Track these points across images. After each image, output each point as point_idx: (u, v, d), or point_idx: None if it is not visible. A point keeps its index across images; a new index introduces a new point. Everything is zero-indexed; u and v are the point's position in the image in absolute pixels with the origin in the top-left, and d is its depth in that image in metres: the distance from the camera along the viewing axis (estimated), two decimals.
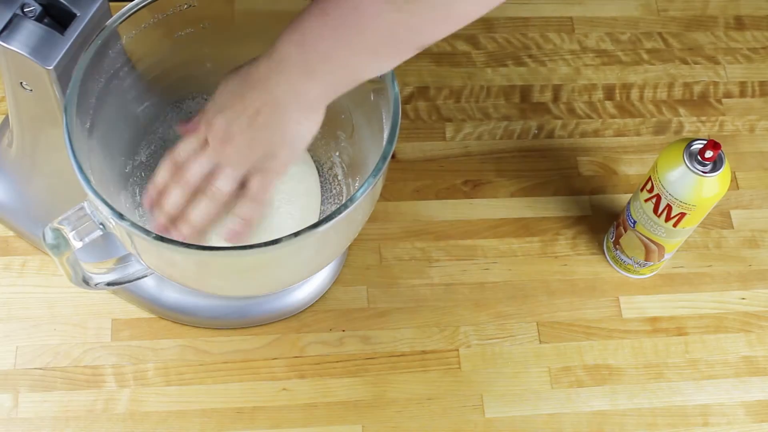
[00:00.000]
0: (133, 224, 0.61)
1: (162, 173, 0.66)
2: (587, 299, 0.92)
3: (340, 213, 0.62)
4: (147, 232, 0.61)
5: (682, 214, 0.82)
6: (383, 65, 0.62)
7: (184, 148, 0.65)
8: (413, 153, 0.98)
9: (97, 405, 0.83)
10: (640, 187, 0.85)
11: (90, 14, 0.67)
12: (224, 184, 0.64)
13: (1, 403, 0.82)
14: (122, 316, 0.87)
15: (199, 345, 0.86)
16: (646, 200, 0.84)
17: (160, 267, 0.70)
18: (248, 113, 0.62)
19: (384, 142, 0.65)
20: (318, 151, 0.78)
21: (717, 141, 0.78)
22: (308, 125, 0.62)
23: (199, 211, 0.65)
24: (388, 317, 0.89)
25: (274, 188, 0.66)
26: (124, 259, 0.74)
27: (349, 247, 0.91)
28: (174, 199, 0.65)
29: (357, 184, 0.76)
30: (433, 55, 1.04)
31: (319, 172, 0.80)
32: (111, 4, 0.70)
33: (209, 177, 0.65)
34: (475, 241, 0.94)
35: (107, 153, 0.71)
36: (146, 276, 0.75)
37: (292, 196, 0.73)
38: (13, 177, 0.86)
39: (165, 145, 0.79)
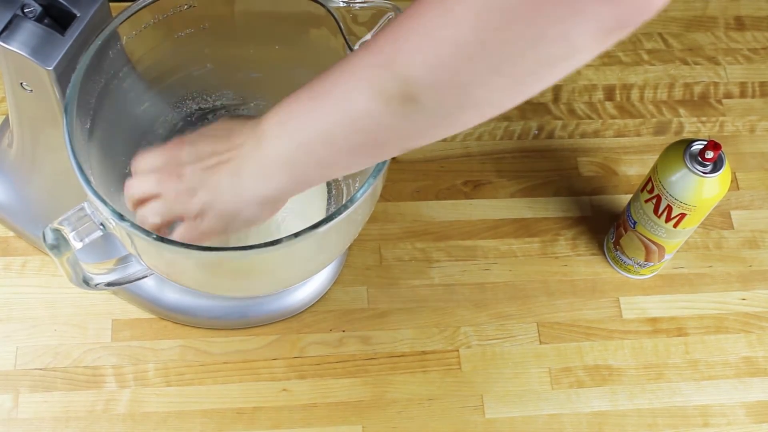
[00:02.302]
0: (134, 225, 0.61)
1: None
2: (587, 300, 0.92)
3: (340, 213, 0.62)
4: (147, 232, 0.61)
5: (683, 215, 0.82)
6: (357, 166, 0.59)
7: (145, 161, 0.64)
8: (413, 153, 0.98)
9: (97, 405, 0.83)
10: (641, 188, 0.85)
11: (90, 15, 0.66)
12: (151, 212, 0.63)
13: (2, 403, 0.82)
14: (122, 317, 0.87)
15: (200, 345, 0.86)
16: (646, 201, 0.84)
17: (160, 267, 0.70)
18: (209, 162, 0.60)
19: None
20: None
21: (717, 141, 0.78)
22: (253, 213, 0.60)
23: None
24: (388, 318, 0.89)
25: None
26: (124, 260, 0.74)
27: (350, 248, 0.91)
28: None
29: (357, 185, 0.76)
30: None
31: None
32: (111, 4, 0.70)
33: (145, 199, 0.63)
34: (476, 242, 0.94)
35: (107, 153, 0.71)
36: (146, 276, 0.75)
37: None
38: (13, 177, 0.86)
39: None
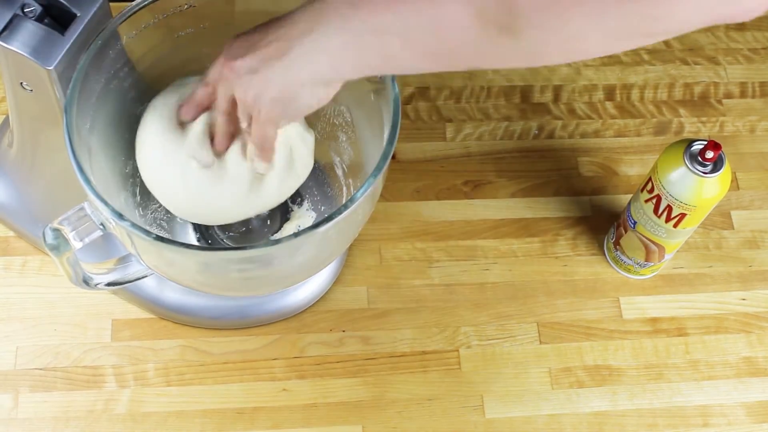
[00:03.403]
0: (133, 224, 0.61)
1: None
2: (587, 300, 0.92)
3: (340, 213, 0.62)
4: (147, 232, 0.61)
5: (683, 215, 0.82)
6: (422, 69, 0.56)
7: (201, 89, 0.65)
8: (413, 153, 0.98)
9: (97, 405, 0.83)
10: (641, 188, 0.85)
11: (90, 14, 0.66)
12: (221, 99, 0.62)
13: (2, 403, 0.82)
14: (122, 317, 0.87)
15: (200, 345, 0.86)
16: (646, 201, 0.84)
17: (160, 267, 0.70)
18: (260, 43, 0.58)
19: (384, 143, 0.65)
20: (319, 152, 0.78)
21: (717, 142, 0.78)
22: (309, 95, 0.58)
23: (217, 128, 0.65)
24: (388, 318, 0.89)
25: (274, 137, 0.63)
26: (124, 260, 0.74)
27: (350, 248, 0.91)
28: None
29: (357, 185, 0.76)
30: None
31: (319, 172, 0.81)
32: (111, 4, 0.70)
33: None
34: (476, 242, 0.94)
35: (107, 153, 0.71)
36: (146, 276, 0.75)
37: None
38: (14, 177, 0.86)
39: None
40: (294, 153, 0.70)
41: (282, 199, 0.71)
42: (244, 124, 0.63)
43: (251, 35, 0.60)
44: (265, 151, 0.64)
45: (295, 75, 0.57)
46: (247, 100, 0.60)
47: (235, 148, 0.66)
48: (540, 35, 0.49)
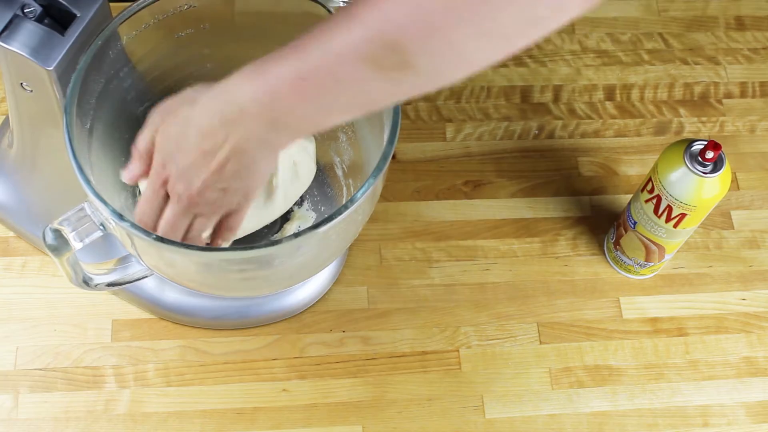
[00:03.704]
0: (134, 225, 0.61)
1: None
2: (588, 300, 0.92)
3: (340, 213, 0.62)
4: (147, 233, 0.61)
5: (683, 215, 0.82)
6: (351, 119, 0.61)
7: (148, 205, 0.63)
8: (413, 153, 0.98)
9: (97, 406, 0.83)
10: (641, 188, 0.85)
11: (90, 15, 0.67)
12: (202, 230, 0.63)
13: (2, 403, 0.82)
14: (122, 317, 0.87)
15: (200, 346, 0.86)
16: (646, 201, 0.84)
17: (160, 268, 0.70)
18: (212, 167, 0.58)
19: (384, 143, 0.65)
20: (319, 152, 0.78)
21: (717, 142, 0.78)
22: (274, 159, 0.61)
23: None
24: (388, 318, 0.89)
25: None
26: (124, 260, 0.74)
27: (350, 248, 0.91)
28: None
29: (357, 185, 0.76)
30: None
31: (319, 173, 0.80)
32: (111, 4, 0.70)
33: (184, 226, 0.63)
34: (476, 242, 0.94)
35: (107, 153, 0.71)
36: (146, 277, 0.75)
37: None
38: (14, 177, 0.86)
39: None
40: (297, 165, 0.71)
41: (288, 207, 0.73)
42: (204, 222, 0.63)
43: (180, 156, 0.59)
44: (233, 233, 0.65)
45: (257, 163, 0.59)
46: (215, 206, 0.61)
47: None
48: (434, 61, 0.52)
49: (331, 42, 0.53)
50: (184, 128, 0.59)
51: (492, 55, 0.53)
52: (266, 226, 0.83)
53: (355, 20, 0.52)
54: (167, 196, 0.62)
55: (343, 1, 0.68)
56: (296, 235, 0.61)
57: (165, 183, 0.61)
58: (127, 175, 0.63)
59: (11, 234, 0.90)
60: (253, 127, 0.56)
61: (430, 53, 0.52)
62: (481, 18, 0.50)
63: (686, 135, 1.02)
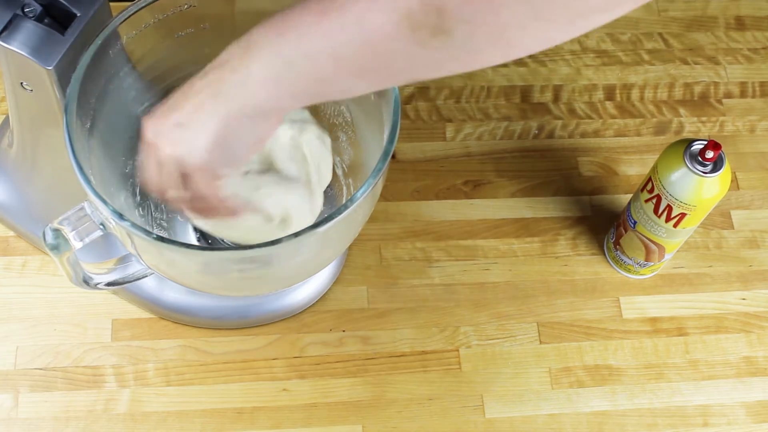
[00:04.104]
0: (134, 224, 0.61)
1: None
2: (587, 299, 0.92)
3: (340, 213, 0.62)
4: (147, 232, 0.61)
5: (683, 215, 0.82)
6: (359, 90, 0.54)
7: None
8: (413, 153, 0.98)
9: (97, 405, 0.83)
10: (641, 188, 0.85)
11: (90, 14, 0.66)
12: (148, 172, 0.58)
13: (2, 403, 0.82)
14: (122, 317, 0.87)
15: (200, 345, 0.86)
16: (646, 201, 0.84)
17: (160, 267, 0.70)
18: (192, 93, 0.54)
19: (384, 143, 0.65)
20: None
21: (717, 141, 0.78)
22: (245, 131, 0.54)
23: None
24: (388, 317, 0.89)
25: (216, 191, 0.58)
26: (124, 260, 0.74)
27: (350, 248, 0.91)
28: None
29: (357, 184, 0.76)
30: None
31: None
32: (112, 4, 0.70)
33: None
34: (476, 242, 0.94)
35: (107, 153, 0.71)
36: (146, 276, 0.75)
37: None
38: (14, 177, 0.86)
39: None
40: (321, 162, 0.71)
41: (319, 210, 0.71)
42: (178, 192, 0.57)
43: (173, 96, 0.55)
44: (214, 209, 0.60)
45: (229, 110, 0.53)
46: (176, 156, 0.55)
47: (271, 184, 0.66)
48: (473, 30, 0.47)
49: None
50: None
51: (533, 43, 0.49)
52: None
53: None
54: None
55: None
56: (296, 234, 0.61)
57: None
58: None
59: (11, 233, 0.90)
60: (249, 60, 0.52)
61: (471, 22, 0.47)
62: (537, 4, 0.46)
63: (686, 135, 1.02)
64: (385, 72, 0.51)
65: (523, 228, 0.95)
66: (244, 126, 0.54)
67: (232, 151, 0.56)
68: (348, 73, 0.51)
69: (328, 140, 0.73)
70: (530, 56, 1.05)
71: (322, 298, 0.89)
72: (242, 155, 0.57)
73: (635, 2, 0.48)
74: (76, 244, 0.64)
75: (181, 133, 0.54)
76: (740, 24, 1.10)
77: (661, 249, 0.88)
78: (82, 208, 0.64)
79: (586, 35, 1.07)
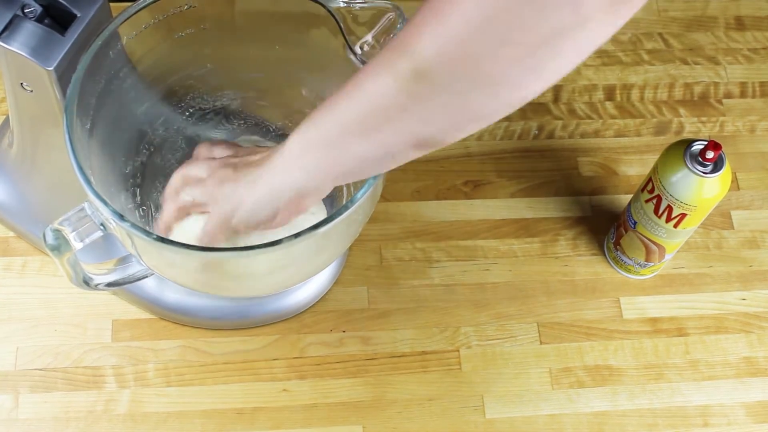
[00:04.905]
0: (134, 225, 0.61)
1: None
2: (588, 300, 0.92)
3: (340, 214, 0.62)
4: (147, 233, 0.61)
5: (683, 215, 0.82)
6: (372, 164, 0.58)
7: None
8: None
9: (97, 406, 0.83)
10: (641, 188, 0.85)
11: (90, 15, 0.66)
12: (188, 198, 0.67)
13: (2, 403, 0.82)
14: (122, 317, 0.87)
15: (200, 346, 0.86)
16: (646, 201, 0.84)
17: (161, 268, 0.70)
18: (241, 163, 0.63)
19: None
20: None
21: (717, 142, 0.78)
22: (260, 207, 0.62)
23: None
24: (388, 318, 0.89)
25: (220, 240, 0.66)
26: (124, 260, 0.74)
27: (350, 248, 0.91)
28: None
29: (357, 185, 0.76)
30: None
31: None
32: (112, 4, 0.70)
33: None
34: (476, 242, 0.94)
35: (108, 153, 0.71)
36: (147, 277, 0.75)
37: None
38: (14, 177, 0.86)
39: (165, 145, 0.79)
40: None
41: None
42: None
43: (233, 157, 0.66)
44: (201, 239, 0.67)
45: (256, 184, 0.61)
46: (218, 201, 0.64)
47: None
48: (449, 66, 0.50)
49: (365, 66, 0.54)
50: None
51: (519, 79, 0.51)
52: None
53: (388, 45, 0.53)
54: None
55: (344, 2, 0.68)
56: (296, 235, 0.61)
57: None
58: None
59: (11, 234, 0.90)
60: (286, 157, 0.59)
61: (447, 64, 0.51)
62: (501, 32, 0.48)
63: (686, 135, 1.02)
64: (386, 129, 0.54)
65: (523, 228, 0.95)
66: (271, 206, 0.61)
67: (257, 220, 0.63)
68: (356, 138, 0.56)
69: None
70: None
71: (323, 298, 0.89)
72: (265, 223, 0.63)
73: (607, 19, 0.49)
74: (77, 245, 0.64)
75: (231, 189, 0.63)
76: (740, 24, 1.10)
77: (662, 249, 0.88)
78: (83, 209, 0.64)
79: None
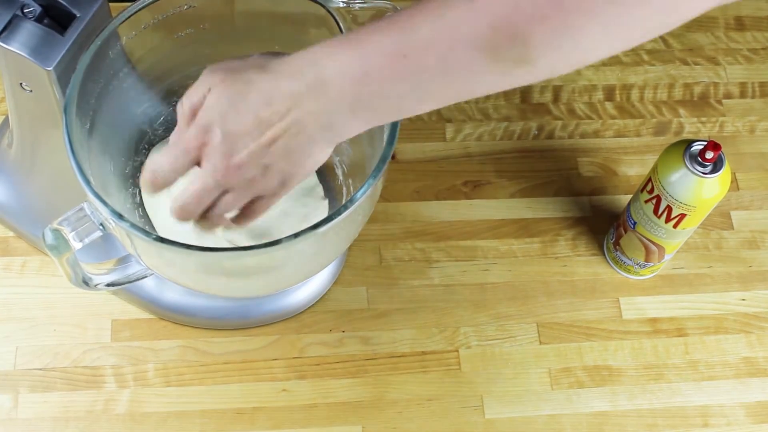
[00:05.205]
0: (133, 225, 0.61)
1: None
2: (587, 300, 0.92)
3: (340, 214, 0.62)
4: (147, 233, 0.61)
5: (683, 215, 0.82)
6: (437, 107, 0.54)
7: (168, 161, 0.57)
8: (413, 154, 0.98)
9: (96, 406, 0.83)
10: (641, 188, 0.85)
11: (90, 15, 0.66)
12: (227, 210, 0.58)
13: (1, 403, 0.82)
14: (122, 317, 0.87)
15: (199, 345, 0.86)
16: (646, 201, 0.84)
17: (160, 268, 0.70)
18: (262, 140, 0.53)
19: (384, 143, 0.65)
20: None
21: (717, 142, 0.78)
22: (329, 150, 0.56)
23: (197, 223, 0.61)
24: (388, 318, 0.89)
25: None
26: (124, 260, 0.74)
27: (349, 248, 0.91)
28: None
29: (357, 185, 0.76)
30: None
31: (319, 172, 0.80)
32: (111, 4, 0.70)
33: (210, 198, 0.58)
34: (475, 242, 0.94)
35: (107, 154, 0.71)
36: (146, 277, 0.75)
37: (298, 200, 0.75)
38: (13, 178, 0.86)
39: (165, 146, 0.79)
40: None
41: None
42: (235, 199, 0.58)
43: (229, 119, 0.54)
44: (256, 217, 0.60)
45: (314, 146, 0.55)
46: (258, 175, 0.55)
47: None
48: (554, 59, 0.49)
49: (445, 19, 0.48)
50: (245, 89, 0.52)
51: (604, 55, 0.50)
52: None
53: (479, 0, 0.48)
54: (193, 164, 0.56)
55: (343, 2, 0.68)
56: (296, 235, 0.61)
57: (201, 147, 0.54)
58: (174, 139, 0.56)
59: (11, 234, 0.90)
60: (327, 104, 0.51)
61: (554, 50, 0.48)
62: (613, 18, 0.47)
63: (686, 135, 1.02)
64: (461, 97, 0.52)
65: (522, 228, 0.95)
66: (326, 152, 0.55)
67: (311, 171, 0.56)
68: (429, 104, 0.52)
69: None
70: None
71: (322, 298, 0.89)
72: (305, 175, 0.57)
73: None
74: (76, 245, 0.64)
75: (264, 176, 0.55)
76: (740, 24, 1.10)
77: (661, 249, 0.88)
78: (82, 209, 0.64)
79: None
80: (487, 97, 1.02)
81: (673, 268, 0.94)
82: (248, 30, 0.74)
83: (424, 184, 0.97)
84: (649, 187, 0.83)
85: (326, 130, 0.54)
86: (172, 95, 0.78)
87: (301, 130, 0.53)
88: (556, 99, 1.03)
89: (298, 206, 0.77)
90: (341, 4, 0.67)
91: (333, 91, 0.52)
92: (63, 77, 0.66)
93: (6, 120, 0.86)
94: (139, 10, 0.67)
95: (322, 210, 0.79)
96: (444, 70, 0.49)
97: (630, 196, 0.91)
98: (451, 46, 0.49)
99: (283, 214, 0.75)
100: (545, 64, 0.49)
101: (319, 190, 0.79)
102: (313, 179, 0.79)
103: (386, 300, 0.90)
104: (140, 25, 0.69)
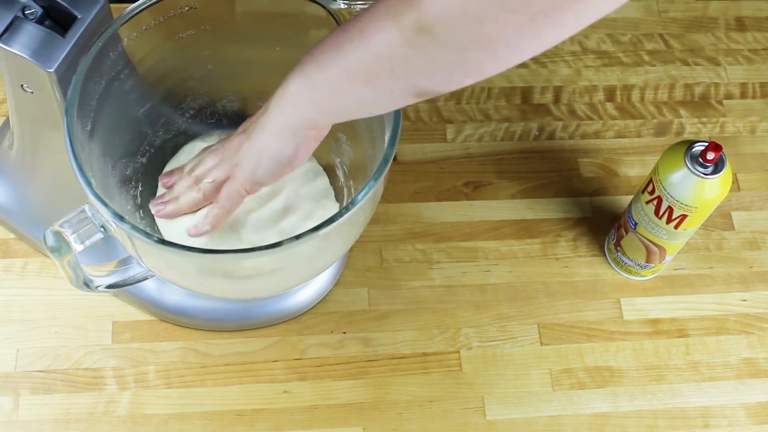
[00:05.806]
0: (134, 227, 0.61)
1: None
2: (588, 301, 0.92)
3: (341, 215, 0.62)
4: (148, 235, 0.61)
5: (684, 216, 0.82)
6: (372, 104, 0.60)
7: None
8: (414, 154, 0.98)
9: (97, 407, 0.83)
10: (641, 189, 0.85)
11: (91, 16, 0.66)
12: (208, 180, 0.70)
13: (2, 405, 0.82)
14: (123, 319, 0.87)
15: (200, 347, 0.86)
16: (647, 202, 0.84)
17: (161, 269, 0.70)
18: (247, 124, 0.67)
19: (385, 145, 0.65)
20: (319, 154, 0.78)
21: (718, 143, 0.78)
22: (279, 146, 0.64)
23: (187, 197, 0.71)
24: (388, 319, 0.89)
25: (240, 201, 0.69)
26: (125, 262, 0.74)
27: (350, 249, 0.91)
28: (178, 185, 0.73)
29: (358, 186, 0.76)
30: None
31: None
32: (112, 6, 0.70)
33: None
34: (476, 243, 0.94)
35: (108, 155, 0.71)
36: (147, 279, 0.75)
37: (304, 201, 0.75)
38: (14, 179, 0.86)
39: (166, 147, 0.79)
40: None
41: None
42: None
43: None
44: (224, 216, 0.70)
45: (265, 130, 0.64)
46: (231, 160, 0.68)
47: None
48: (452, 24, 0.51)
49: (366, 11, 0.55)
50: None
51: (519, 42, 0.52)
52: None
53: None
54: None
55: (344, 3, 0.68)
56: (297, 237, 0.61)
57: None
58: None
59: (11, 236, 0.90)
60: (284, 88, 0.61)
61: (450, 21, 0.51)
62: None
63: (687, 136, 1.02)
64: (388, 77, 0.55)
65: (523, 229, 0.95)
66: (277, 142, 0.64)
67: (264, 165, 0.65)
68: (357, 82, 0.57)
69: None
70: (531, 57, 1.05)
71: (323, 300, 0.89)
72: (275, 170, 0.66)
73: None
74: (77, 247, 0.64)
75: (235, 149, 0.68)
76: (740, 25, 1.10)
77: (662, 250, 0.88)
78: (83, 211, 0.64)
79: (586, 36, 1.07)
80: (488, 98, 1.02)
81: (674, 269, 0.94)
82: (249, 31, 0.74)
83: (425, 185, 0.97)
84: (650, 188, 0.83)
85: (276, 112, 0.63)
86: (172, 97, 0.78)
87: (261, 119, 0.65)
88: (556, 100, 1.03)
89: (319, 209, 0.77)
90: (342, 5, 0.67)
91: (288, 83, 0.61)
92: (64, 79, 0.66)
93: (7, 121, 0.86)
94: (140, 11, 0.67)
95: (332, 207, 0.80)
96: (362, 40, 0.55)
97: (631, 197, 0.91)
98: (368, 24, 0.54)
99: (305, 217, 0.76)
100: (445, 36, 0.51)
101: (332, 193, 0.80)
102: (326, 181, 0.79)
103: (387, 301, 0.90)
104: (141, 27, 0.69)
